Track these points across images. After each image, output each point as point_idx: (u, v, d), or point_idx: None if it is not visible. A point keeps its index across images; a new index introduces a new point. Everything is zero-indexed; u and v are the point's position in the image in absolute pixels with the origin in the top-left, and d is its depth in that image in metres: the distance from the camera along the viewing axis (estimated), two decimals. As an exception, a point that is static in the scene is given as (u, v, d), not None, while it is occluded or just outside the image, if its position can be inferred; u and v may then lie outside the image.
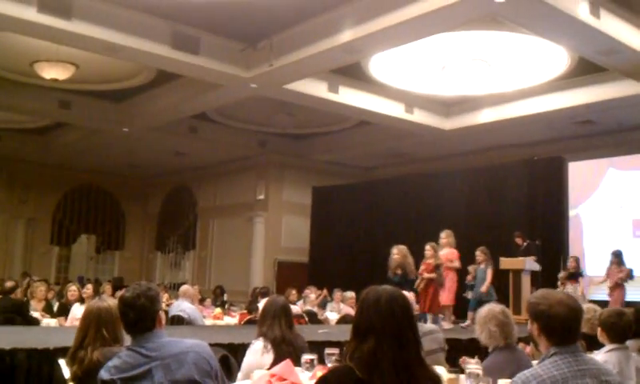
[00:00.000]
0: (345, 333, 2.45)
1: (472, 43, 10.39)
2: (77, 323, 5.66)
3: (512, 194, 13.37)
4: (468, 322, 9.95)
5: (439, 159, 16.31)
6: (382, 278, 9.46)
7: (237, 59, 10.95)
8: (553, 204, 13.10)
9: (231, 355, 4.31)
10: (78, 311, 8.07)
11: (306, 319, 9.77)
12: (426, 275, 9.38)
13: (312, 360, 3.43)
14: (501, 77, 11.78)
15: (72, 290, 9.47)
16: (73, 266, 20.47)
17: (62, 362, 3.63)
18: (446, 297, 9.88)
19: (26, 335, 6.59)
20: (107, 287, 12.41)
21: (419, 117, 13.77)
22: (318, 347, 4.02)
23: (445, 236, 10.23)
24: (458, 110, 13.92)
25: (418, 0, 8.53)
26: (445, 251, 9.98)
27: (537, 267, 10.87)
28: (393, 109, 13.33)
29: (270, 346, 3.97)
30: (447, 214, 14.00)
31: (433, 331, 5.24)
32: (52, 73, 11.63)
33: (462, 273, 10.52)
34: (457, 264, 10.08)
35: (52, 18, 9.10)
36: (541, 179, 13.23)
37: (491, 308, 4.14)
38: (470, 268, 10.62)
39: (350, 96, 12.59)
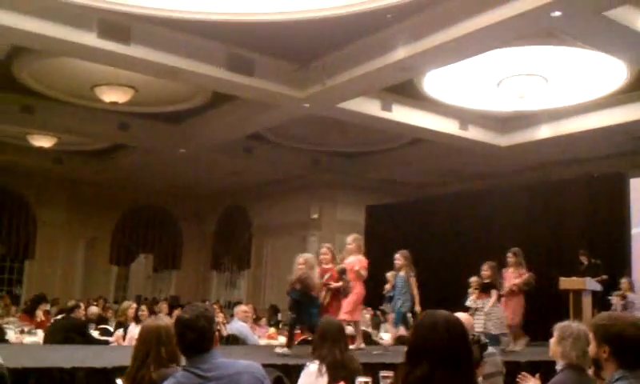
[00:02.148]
0: (399, 354, 2.43)
1: (528, 58, 10.24)
2: (133, 342, 5.75)
3: (571, 212, 13.05)
4: (388, 341, 9.16)
5: (495, 176, 16.06)
6: (438, 298, 9.37)
7: (290, 79, 11.03)
8: (614, 222, 12.71)
9: (285, 377, 4.30)
10: (134, 331, 8.19)
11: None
12: (333, 285, 7.55)
13: (366, 382, 3.39)
14: (558, 92, 11.57)
15: (130, 308, 9.64)
16: (131, 285, 20.85)
17: (119, 382, 3.68)
18: (353, 311, 8.08)
19: (86, 353, 6.70)
20: (163, 306, 12.57)
21: (474, 133, 13.60)
22: (372, 369, 3.98)
23: (351, 240, 8.50)
24: (513, 126, 13.70)
25: (473, 16, 8.45)
26: (351, 259, 8.22)
27: (598, 287, 10.56)
28: (447, 126, 13.21)
29: (324, 369, 3.94)
30: (503, 232, 13.73)
31: (491, 354, 5.10)
32: (112, 96, 11.93)
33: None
34: (364, 274, 8.16)
35: (111, 42, 9.34)
36: (601, 196, 12.88)
37: (575, 323, 4.00)
38: (389, 275, 9.23)
39: (403, 114, 12.54)
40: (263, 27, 9.46)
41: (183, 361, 3.12)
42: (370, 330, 11.23)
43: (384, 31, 9.52)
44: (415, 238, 15.78)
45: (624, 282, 10.63)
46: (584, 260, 11.10)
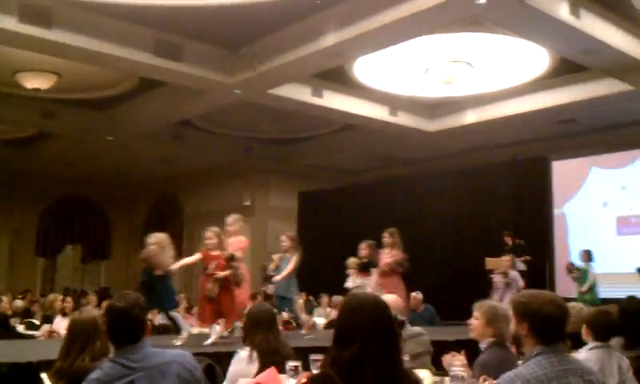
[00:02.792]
0: (331, 339, 2.44)
1: (454, 45, 10.44)
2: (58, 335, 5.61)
3: (498, 195, 13.44)
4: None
5: (425, 161, 16.36)
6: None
7: (220, 65, 10.93)
8: (538, 203, 13.18)
9: (217, 364, 4.28)
10: (60, 324, 8.00)
11: (294, 325, 9.73)
12: (220, 274, 7.05)
13: (297, 367, 3.40)
14: (484, 78, 11.85)
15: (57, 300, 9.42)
16: (59, 277, 20.31)
17: (44, 377, 3.59)
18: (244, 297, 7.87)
19: (11, 348, 6.53)
20: (92, 298, 12.32)
21: (403, 119, 13.80)
22: (304, 353, 4.00)
23: (232, 221, 8.21)
24: (442, 112, 13.97)
25: (400, 3, 8.56)
26: (232, 240, 7.89)
27: (523, 267, 10.92)
28: (377, 112, 13.35)
29: (255, 355, 3.95)
30: (434, 215, 14.07)
31: (419, 334, 5.18)
32: (34, 82, 11.59)
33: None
34: (239, 254, 7.67)
35: (33, 27, 9.04)
36: (526, 179, 13.31)
37: (498, 304, 4.10)
38: (275, 257, 8.84)
39: (334, 100, 12.60)
40: (191, 12, 9.33)
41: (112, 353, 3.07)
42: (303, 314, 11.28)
43: (314, 17, 9.54)
44: (348, 223, 15.94)
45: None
46: (509, 241, 11.45)
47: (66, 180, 19.32)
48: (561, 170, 13.59)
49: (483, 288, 10.37)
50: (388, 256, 8.62)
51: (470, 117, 13.58)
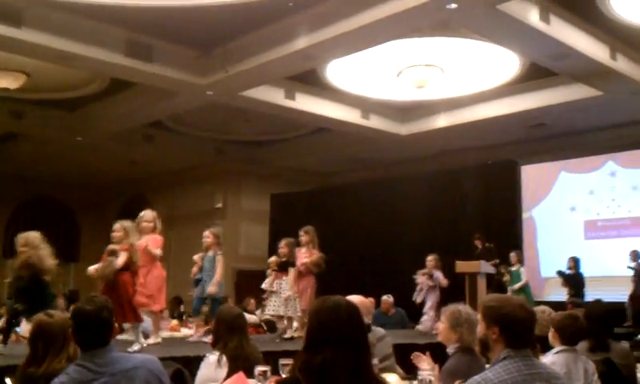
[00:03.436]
0: (302, 343, 2.44)
1: (426, 49, 10.50)
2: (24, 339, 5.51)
3: (468, 198, 13.54)
4: (197, 331, 8.05)
5: (397, 164, 16.43)
6: (344, 285, 9.47)
7: (192, 66, 10.87)
8: (507, 207, 13.31)
9: (186, 369, 4.25)
10: (25, 327, 7.85)
11: (265, 328, 9.71)
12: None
13: (265, 371, 3.40)
14: (455, 82, 11.94)
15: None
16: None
17: (8, 382, 3.53)
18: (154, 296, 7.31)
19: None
20: (61, 301, 12.14)
21: (375, 122, 13.85)
22: (274, 357, 3.99)
23: (150, 218, 7.85)
24: (413, 116, 14.05)
25: (372, 7, 8.61)
26: (148, 237, 7.55)
27: (491, 270, 11.00)
28: (349, 115, 13.39)
29: (224, 360, 3.92)
30: (407, 218, 14.12)
31: (386, 335, 5.21)
32: (3, 82, 11.41)
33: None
34: (158, 252, 7.51)
35: (2, 26, 8.91)
36: (495, 182, 13.43)
37: (463, 308, 4.12)
38: (196, 257, 8.29)
39: (306, 102, 12.61)
40: (163, 12, 9.29)
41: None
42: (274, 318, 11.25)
43: (286, 20, 9.55)
44: (320, 226, 15.83)
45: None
46: (478, 244, 11.53)
47: (35, 181, 19.03)
48: (530, 174, 13.75)
49: (454, 291, 10.45)
50: (305, 255, 8.27)
51: (442, 121, 13.68)
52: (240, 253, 17.31)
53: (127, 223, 7.02)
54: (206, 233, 8.09)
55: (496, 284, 10.85)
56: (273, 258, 8.55)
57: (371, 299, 9.51)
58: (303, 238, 8.46)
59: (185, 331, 9.47)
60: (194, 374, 4.05)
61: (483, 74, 11.73)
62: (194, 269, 8.15)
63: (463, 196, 13.62)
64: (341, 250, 13.46)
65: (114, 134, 14.44)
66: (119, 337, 6.68)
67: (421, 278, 10.24)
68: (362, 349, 2.37)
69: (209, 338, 6.54)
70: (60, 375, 2.85)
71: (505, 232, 12.78)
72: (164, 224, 19.50)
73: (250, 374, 3.46)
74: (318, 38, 9.40)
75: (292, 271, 8.07)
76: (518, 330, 2.82)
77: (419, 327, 10.13)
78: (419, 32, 9.68)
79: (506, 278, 11.32)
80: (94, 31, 9.71)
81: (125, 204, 20.72)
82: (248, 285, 15.53)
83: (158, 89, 11.61)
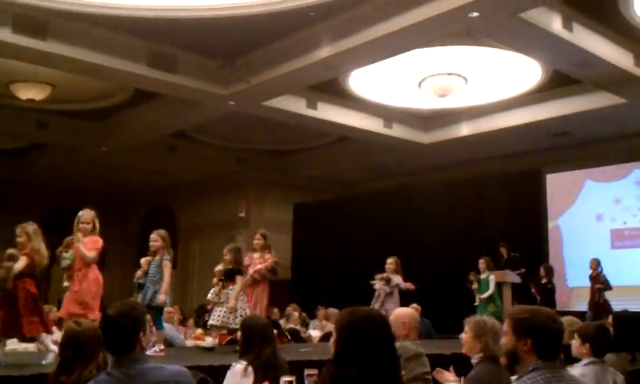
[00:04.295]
0: (327, 352, 2.42)
1: (449, 58, 10.47)
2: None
3: (491, 207, 13.45)
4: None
5: (419, 173, 16.38)
6: (366, 294, 9.42)
7: (214, 77, 10.93)
8: (532, 216, 13.20)
9: (211, 378, 4.26)
10: (57, 335, 7.91)
11: (289, 338, 9.70)
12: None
13: (291, 381, 3.39)
14: (477, 90, 11.89)
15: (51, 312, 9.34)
16: (53, 287, 20.17)
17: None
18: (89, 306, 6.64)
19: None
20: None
21: (398, 131, 13.83)
22: (299, 367, 3.98)
23: (89, 218, 7.23)
24: (436, 124, 14.00)
25: (394, 16, 8.61)
26: (86, 239, 6.99)
27: (518, 280, 10.91)
28: (371, 124, 13.38)
29: (250, 369, 3.92)
30: (428, 228, 14.06)
31: (421, 354, 4.72)
32: (28, 93, 11.56)
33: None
34: (90, 255, 6.84)
35: (27, 38, 9.03)
36: (519, 192, 13.34)
37: (487, 318, 4.07)
38: (143, 261, 7.68)
39: (328, 112, 12.63)
40: (186, 24, 9.35)
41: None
42: (298, 326, 11.26)
43: (308, 29, 9.57)
44: (343, 235, 15.94)
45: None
46: (504, 252, 11.44)
47: (61, 190, 19.22)
48: (555, 183, 13.63)
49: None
50: (259, 261, 7.76)
51: (464, 129, 13.62)
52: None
53: (30, 226, 6.38)
54: (153, 235, 7.27)
55: (522, 293, 10.72)
56: (218, 267, 7.76)
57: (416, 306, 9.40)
58: (257, 242, 7.98)
59: (210, 340, 9.47)
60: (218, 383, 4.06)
61: (506, 83, 11.67)
62: (139, 272, 7.48)
63: (486, 205, 13.53)
64: (363, 259, 13.44)
65: (137, 145, 14.56)
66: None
67: (378, 284, 9.40)
68: (391, 362, 2.35)
69: (153, 351, 6.50)
70: (90, 382, 2.86)
71: (530, 241, 12.67)
72: (187, 233, 19.82)
73: (275, 384, 3.46)
74: (339, 48, 9.42)
75: (239, 279, 7.37)
76: (550, 342, 2.79)
77: None
78: (442, 41, 9.66)
79: (475, 285, 10.84)
80: (118, 43, 9.82)
81: (148, 214, 20.89)
82: (271, 294, 15.54)
83: (181, 99, 11.70)
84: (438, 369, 4.04)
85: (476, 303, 10.69)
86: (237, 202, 17.83)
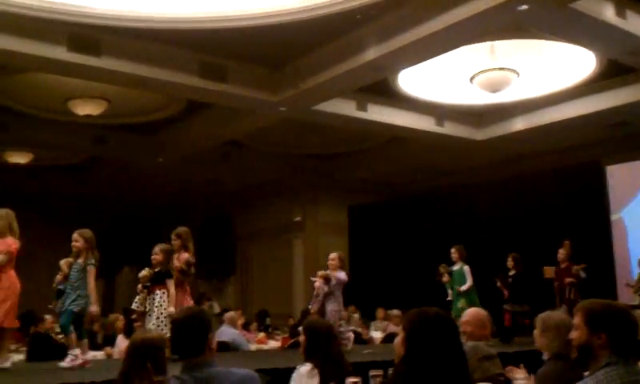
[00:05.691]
0: (390, 352, 2.42)
1: (499, 52, 10.34)
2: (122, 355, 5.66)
3: (550, 203, 13.18)
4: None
5: (474, 170, 16.16)
6: (426, 294, 9.34)
7: (264, 84, 11.03)
8: (593, 209, 12.90)
9: (276, 381, 4.30)
10: (122, 343, 8.09)
11: (343, 340, 9.69)
12: None
13: (356, 382, 3.40)
14: (531, 84, 11.70)
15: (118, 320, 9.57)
16: (118, 297, 20.64)
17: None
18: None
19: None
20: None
21: (450, 129, 13.69)
22: (362, 368, 3.99)
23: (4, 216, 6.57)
24: (489, 120, 13.80)
25: (441, 13, 8.52)
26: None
27: (583, 275, 10.62)
28: (423, 123, 13.27)
29: (315, 371, 3.94)
30: (485, 225, 13.88)
31: (494, 355, 4.53)
32: (85, 109, 11.89)
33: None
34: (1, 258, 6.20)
35: (82, 55, 9.28)
36: (578, 185, 13.06)
37: (554, 313, 4.00)
38: (62, 263, 7.16)
39: (379, 113, 12.58)
40: (235, 33, 9.45)
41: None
42: (359, 329, 11.28)
43: (354, 32, 9.56)
44: (399, 235, 15.87)
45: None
46: (566, 249, 11.17)
47: (120, 203, 19.68)
48: (616, 175, 13.29)
49: (542, 298, 10.17)
50: (176, 261, 7.24)
51: (519, 124, 13.38)
52: (321, 265, 17.39)
53: None
54: (75, 235, 6.69)
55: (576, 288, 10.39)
56: (143, 272, 7.13)
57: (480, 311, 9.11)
58: (174, 241, 7.41)
59: (272, 343, 9.58)
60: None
61: (560, 74, 11.44)
62: (58, 277, 6.90)
63: (544, 200, 13.28)
64: (420, 258, 13.37)
65: (192, 155, 14.79)
66: None
67: (317, 282, 8.49)
68: (460, 362, 2.34)
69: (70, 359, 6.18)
70: (155, 386, 2.92)
71: (592, 235, 12.39)
72: (245, 240, 20.01)
73: (340, 385, 3.47)
74: (387, 49, 9.36)
75: (170, 283, 6.88)
76: (625, 336, 2.73)
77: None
78: (491, 35, 9.54)
79: (445, 278, 10.21)
80: (170, 55, 9.99)
81: (206, 222, 21.20)
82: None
83: (232, 108, 11.85)
84: (508, 367, 3.98)
85: (449, 298, 10.09)
86: (292, 207, 17.97)
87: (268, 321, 13.99)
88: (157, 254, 7.05)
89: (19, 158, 15.05)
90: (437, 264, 10.60)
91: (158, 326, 6.65)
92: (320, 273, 8.48)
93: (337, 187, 17.72)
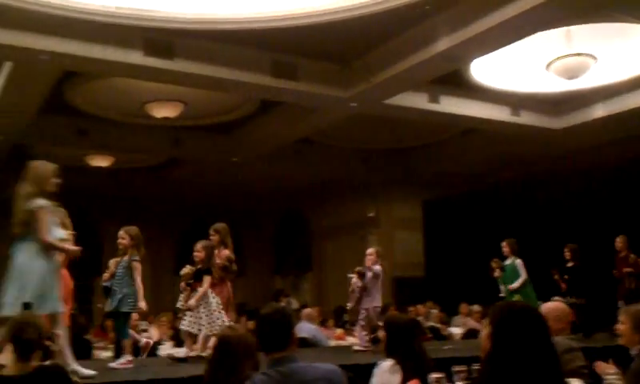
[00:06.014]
0: (471, 349, 2.37)
1: (576, 37, 10.02)
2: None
3: (634, 192, 12.65)
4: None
5: (551, 161, 15.70)
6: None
7: (335, 80, 11.03)
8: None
9: (357, 377, 4.28)
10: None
11: (431, 335, 9.63)
12: None
13: (440, 378, 3.36)
14: (610, 69, 11.29)
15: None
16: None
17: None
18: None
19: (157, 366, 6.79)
20: (231, 314, 12.72)
21: (526, 118, 13.34)
22: (443, 364, 3.93)
23: None
24: (567, 108, 13.38)
25: (514, 0, 8.32)
26: None
27: None
28: (498, 113, 12.98)
29: (397, 367, 3.91)
30: (563, 217, 13.47)
31: (575, 348, 4.34)
32: (162, 112, 12.19)
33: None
34: None
35: (157, 59, 9.52)
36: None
37: None
38: (111, 262, 6.95)
39: (451, 104, 12.37)
40: (303, 31, 9.48)
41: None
42: (438, 324, 11.18)
43: (424, 23, 9.44)
44: (475, 229, 15.58)
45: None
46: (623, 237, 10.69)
47: (198, 202, 20.05)
48: None
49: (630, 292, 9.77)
50: (217, 258, 7.24)
51: (599, 110, 12.92)
52: (396, 261, 17.32)
53: None
54: (121, 232, 6.68)
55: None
56: (185, 269, 7.19)
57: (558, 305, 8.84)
58: (213, 238, 7.43)
59: (350, 340, 9.59)
60: (365, 382, 4.08)
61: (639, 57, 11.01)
62: (105, 275, 6.82)
63: (628, 190, 12.76)
64: (497, 252, 13.08)
65: (266, 153, 14.95)
66: None
67: (354, 279, 8.30)
68: (550, 356, 2.27)
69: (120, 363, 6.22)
70: (246, 383, 2.95)
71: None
72: (320, 236, 20.12)
73: (423, 381, 3.43)
74: (459, 38, 9.20)
75: (206, 280, 6.95)
76: None
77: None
78: (567, 20, 9.24)
79: (497, 274, 9.85)
80: (241, 56, 10.11)
81: (281, 219, 21.45)
82: (407, 292, 15.50)
83: (304, 105, 11.90)
84: (597, 362, 3.85)
85: (502, 294, 9.63)
86: (365, 203, 17.94)
87: (345, 317, 14.00)
88: (198, 251, 7.08)
89: (100, 162, 15.56)
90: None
91: (190, 321, 6.85)
92: (357, 269, 8.35)
93: (410, 182, 17.55)
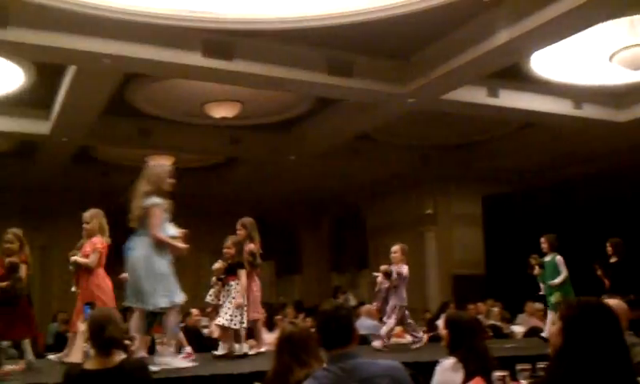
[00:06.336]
0: (534, 347, 2.33)
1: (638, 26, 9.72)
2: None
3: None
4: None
5: (615, 155, 15.27)
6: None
7: (392, 76, 10.97)
8: None
9: (418, 374, 4.26)
10: (266, 336, 8.33)
11: (491, 333, 9.50)
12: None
13: (504, 376, 3.31)
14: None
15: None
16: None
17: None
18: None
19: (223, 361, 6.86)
20: (290, 310, 12.87)
21: (589, 111, 13.01)
22: (506, 362, 3.88)
23: (89, 218, 6.82)
24: (632, 100, 12.97)
25: (576, -10, 8.12)
26: (86, 242, 6.75)
27: None
28: (559, 106, 12.69)
29: (460, 365, 3.87)
30: (629, 214, 13.08)
31: (635, 343, 4.39)
32: (221, 112, 12.35)
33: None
34: (90, 260, 6.46)
35: (216, 60, 9.64)
36: None
37: None
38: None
39: (511, 98, 12.14)
40: (359, 28, 9.44)
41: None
42: (498, 322, 11.01)
43: (483, 16, 9.28)
44: (537, 225, 15.24)
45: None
46: None
47: (256, 200, 20.24)
48: None
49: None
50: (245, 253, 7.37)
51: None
52: (455, 258, 17.14)
53: (19, 231, 6.29)
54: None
55: None
56: (217, 264, 7.38)
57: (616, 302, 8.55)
58: (240, 232, 7.57)
59: (409, 338, 9.53)
60: (426, 380, 4.06)
61: None
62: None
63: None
64: (559, 249, 12.80)
65: (322, 150, 14.98)
66: None
67: (379, 278, 8.37)
68: (622, 353, 2.21)
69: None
70: (309, 379, 2.97)
71: None
72: (377, 233, 20.09)
73: (487, 379, 3.39)
74: (518, 31, 9.01)
75: (242, 274, 7.11)
76: None
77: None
78: (631, 9, 8.96)
79: (536, 271, 9.40)
80: (297, 54, 10.14)
81: (338, 216, 21.46)
82: (466, 290, 15.31)
83: (361, 102, 11.88)
84: None
85: (541, 292, 9.28)
86: (423, 199, 17.80)
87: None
88: (228, 247, 7.29)
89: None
90: (579, 255, 10.01)
91: (231, 316, 6.92)
92: (383, 267, 8.39)
93: (469, 178, 17.33)
